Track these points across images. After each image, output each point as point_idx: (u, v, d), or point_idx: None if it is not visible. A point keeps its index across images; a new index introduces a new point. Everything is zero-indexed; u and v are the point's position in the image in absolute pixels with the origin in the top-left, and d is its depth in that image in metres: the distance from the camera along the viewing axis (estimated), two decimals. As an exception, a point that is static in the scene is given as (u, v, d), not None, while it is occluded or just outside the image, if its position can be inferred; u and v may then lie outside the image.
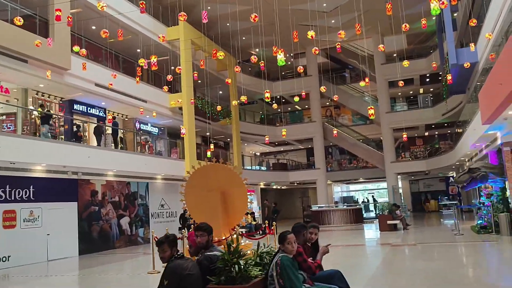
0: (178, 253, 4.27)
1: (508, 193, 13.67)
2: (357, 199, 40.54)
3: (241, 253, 4.33)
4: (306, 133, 32.81)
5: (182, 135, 18.24)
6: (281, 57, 8.41)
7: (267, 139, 19.61)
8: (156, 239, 8.33)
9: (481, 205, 15.50)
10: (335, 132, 20.52)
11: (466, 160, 23.14)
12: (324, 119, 34.94)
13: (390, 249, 11.73)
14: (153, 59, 11.56)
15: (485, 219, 14.79)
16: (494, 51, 13.37)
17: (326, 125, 33.76)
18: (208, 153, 19.15)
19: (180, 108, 20.55)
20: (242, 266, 4.18)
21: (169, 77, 16.02)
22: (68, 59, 14.70)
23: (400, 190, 37.24)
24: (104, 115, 18.71)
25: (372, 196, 39.34)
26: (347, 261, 10.21)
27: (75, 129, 16.28)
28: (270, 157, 39.10)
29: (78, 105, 17.53)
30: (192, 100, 19.25)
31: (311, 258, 5.16)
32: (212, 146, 20.44)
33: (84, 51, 13.07)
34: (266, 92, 12.56)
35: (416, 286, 7.05)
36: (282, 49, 8.74)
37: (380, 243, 14.09)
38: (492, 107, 10.50)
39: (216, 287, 4.19)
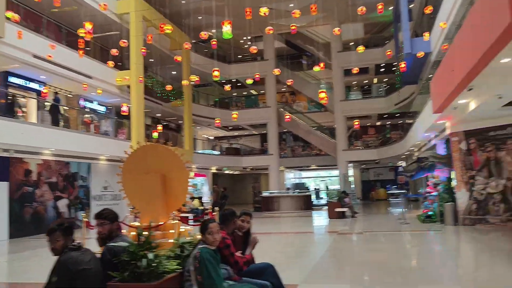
0: (74, 244, 3.51)
1: (453, 183, 13.82)
2: (309, 186, 40.72)
3: (152, 244, 3.68)
4: (260, 118, 32.40)
5: (122, 113, 17.24)
6: (227, 29, 7.81)
7: (217, 121, 18.96)
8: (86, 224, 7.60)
9: (428, 194, 15.67)
10: (287, 117, 20.10)
11: (415, 150, 23.52)
12: (280, 105, 34.69)
13: (336, 237, 11.53)
14: (88, 25, 10.59)
15: (431, 208, 14.96)
16: (447, 43, 13.36)
17: (281, 111, 33.51)
18: (155, 134, 18.26)
19: (129, 87, 19.51)
20: (152, 260, 3.51)
21: (114, 51, 14.98)
22: (2, 26, 13.38)
23: (351, 178, 37.81)
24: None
25: (325, 184, 39.64)
26: (292, 249, 9.90)
27: (11, 102, 14.99)
28: (224, 141, 38.51)
29: (15, 78, 16.17)
30: (141, 78, 18.26)
31: (241, 250, 4.62)
32: (160, 127, 19.55)
33: (17, 16, 11.88)
34: (215, 70, 11.88)
35: (359, 275, 6.76)
36: (229, 21, 8.14)
37: (327, 231, 13.92)
38: (443, 95, 10.40)
39: (119, 285, 3.52)
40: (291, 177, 43.23)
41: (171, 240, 4.64)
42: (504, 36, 5.79)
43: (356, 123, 18.88)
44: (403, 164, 32.51)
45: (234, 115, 17.37)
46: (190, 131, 26.24)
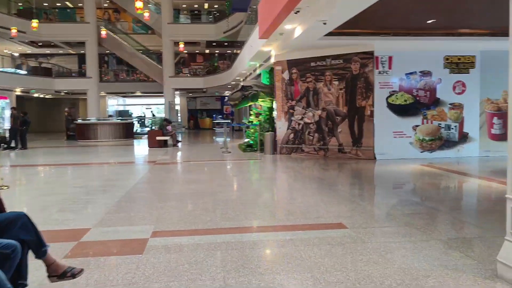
0: None
1: (275, 113, 13.85)
2: (133, 114, 38.53)
3: None
4: (77, 35, 28.40)
5: None
6: None
7: (14, 31, 15.51)
8: None
9: (250, 123, 15.59)
10: (103, 32, 17.51)
11: (241, 80, 23.47)
12: (100, 22, 30.89)
13: (152, 167, 10.46)
14: None
15: (252, 137, 14.93)
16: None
17: (101, 28, 29.89)
18: None
19: None
20: None
21: None
22: None
23: (178, 107, 36.89)
24: None
25: (151, 112, 37.91)
26: (95, 183, 8.51)
27: None
28: (32, 60, 33.16)
29: None
30: None
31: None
32: None
33: None
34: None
35: (165, 212, 5.81)
36: None
37: (146, 161, 12.65)
38: (270, 19, 9.73)
39: None
40: (115, 103, 40.23)
41: None
42: None
43: (181, 45, 17.46)
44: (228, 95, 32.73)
45: (34, 25, 14.29)
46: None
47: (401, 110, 11.71)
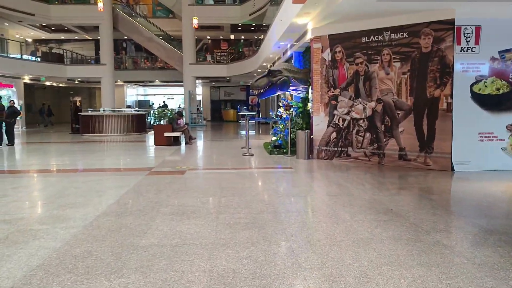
0: None
1: (310, 105, 10.70)
2: (153, 104, 35.96)
3: None
4: (90, 18, 25.79)
5: None
6: None
7: None
8: None
9: (278, 118, 12.45)
10: (100, 5, 14.61)
11: (269, 66, 20.36)
12: (117, 4, 28.25)
13: (141, 181, 7.50)
14: None
15: (281, 136, 11.81)
16: None
17: (117, 11, 27.24)
18: None
19: None
20: None
21: None
22: None
23: (200, 97, 34.06)
24: None
25: (163, 102, 35.19)
26: (33, 212, 5.65)
27: None
28: (45, 46, 30.85)
29: None
30: None
31: None
32: None
33: None
34: None
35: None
36: None
37: (139, 167, 9.55)
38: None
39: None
40: (134, 93, 37.75)
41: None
42: None
43: (195, 20, 14.46)
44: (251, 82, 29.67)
45: None
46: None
47: (491, 103, 8.37)
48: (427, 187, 7.01)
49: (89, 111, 21.80)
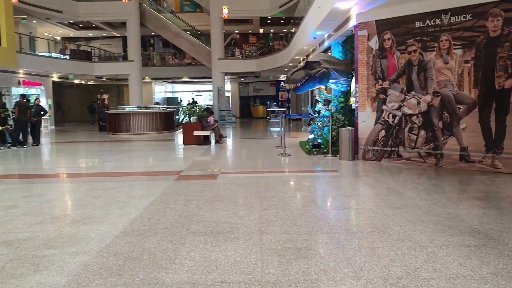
0: None
1: (353, 99, 9.62)
2: (182, 101, 35.41)
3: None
4: (117, 14, 25.30)
5: None
6: None
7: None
8: None
9: (316, 114, 11.38)
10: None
11: (301, 59, 19.29)
12: (144, 0, 27.67)
13: (168, 188, 6.62)
14: None
15: (319, 134, 10.76)
16: None
17: (145, 7, 26.67)
18: None
19: None
20: None
21: None
22: None
23: (228, 94, 33.23)
24: None
25: (193, 98, 34.56)
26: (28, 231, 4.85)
27: None
28: (74, 44, 30.62)
29: None
30: None
31: None
32: None
33: None
34: None
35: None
36: None
37: (166, 171, 8.68)
38: None
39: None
40: (162, 90, 37.26)
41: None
42: None
43: (225, 9, 13.57)
44: (287, 75, 28.60)
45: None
46: (9, 22, 18.64)
47: None
48: (507, 195, 5.86)
49: (112, 109, 21.25)
